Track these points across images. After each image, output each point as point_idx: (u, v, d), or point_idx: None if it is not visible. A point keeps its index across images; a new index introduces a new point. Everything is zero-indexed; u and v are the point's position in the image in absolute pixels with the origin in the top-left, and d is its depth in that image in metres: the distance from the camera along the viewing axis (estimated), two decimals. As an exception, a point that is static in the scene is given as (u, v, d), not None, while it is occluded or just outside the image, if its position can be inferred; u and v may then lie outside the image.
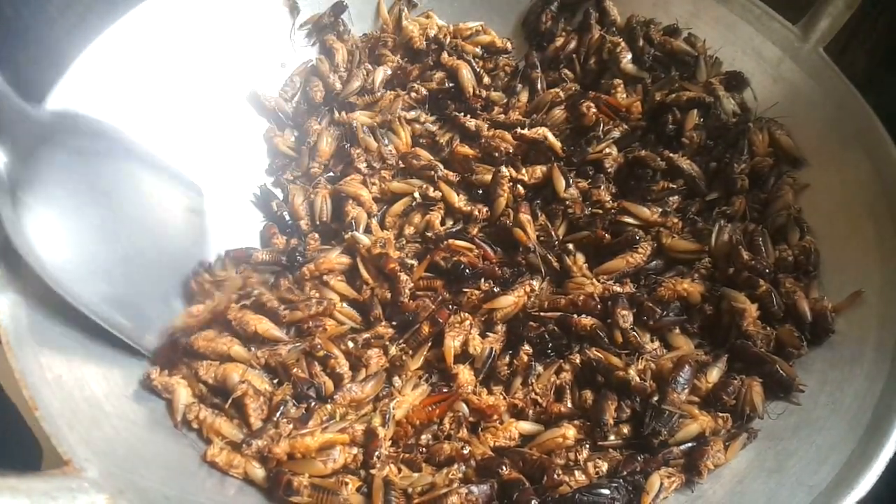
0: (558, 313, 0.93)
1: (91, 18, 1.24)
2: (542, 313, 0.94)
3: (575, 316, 0.92)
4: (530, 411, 0.87)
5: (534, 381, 0.89)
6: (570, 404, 0.88)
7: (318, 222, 1.03)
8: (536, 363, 0.90)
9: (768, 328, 0.89)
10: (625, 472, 0.79)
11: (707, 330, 0.93)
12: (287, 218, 1.03)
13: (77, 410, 0.72)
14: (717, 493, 0.79)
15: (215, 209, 1.00)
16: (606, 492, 0.76)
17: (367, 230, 1.01)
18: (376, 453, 0.78)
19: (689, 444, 0.82)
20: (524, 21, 1.22)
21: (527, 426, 0.86)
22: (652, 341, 0.91)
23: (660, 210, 1.00)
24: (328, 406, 0.83)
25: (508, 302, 0.93)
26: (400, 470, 0.81)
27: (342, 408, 0.83)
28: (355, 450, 0.80)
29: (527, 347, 0.91)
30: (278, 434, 0.78)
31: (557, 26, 1.19)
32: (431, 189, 1.04)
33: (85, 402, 0.73)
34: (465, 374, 0.88)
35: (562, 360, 0.90)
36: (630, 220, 1.00)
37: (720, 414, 0.84)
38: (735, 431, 0.84)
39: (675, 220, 1.00)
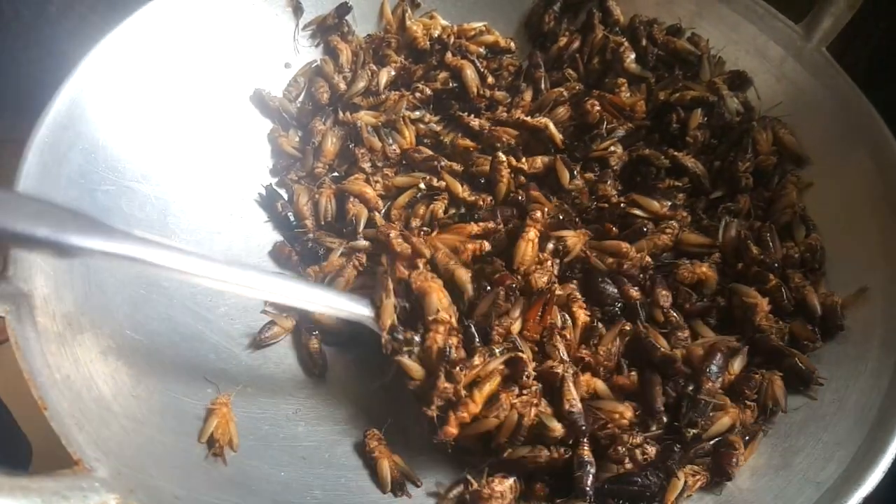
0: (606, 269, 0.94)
1: (93, 19, 1.25)
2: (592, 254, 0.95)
3: (626, 281, 0.92)
4: (601, 369, 0.87)
5: (596, 342, 0.89)
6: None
7: (322, 222, 1.04)
8: (599, 323, 0.90)
9: (781, 322, 0.90)
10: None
11: (723, 324, 0.93)
12: (291, 218, 1.04)
13: (86, 410, 0.71)
14: (725, 491, 0.79)
15: (220, 209, 1.01)
16: (637, 479, 0.77)
17: (371, 225, 1.01)
18: (525, 373, 0.79)
19: (718, 440, 0.82)
20: (527, 21, 1.22)
21: (601, 385, 0.86)
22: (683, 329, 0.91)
23: (669, 203, 1.00)
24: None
25: (571, 233, 0.94)
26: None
27: (499, 343, 0.83)
28: (515, 390, 0.80)
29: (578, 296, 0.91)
30: (459, 391, 0.78)
31: (560, 27, 1.20)
32: (435, 179, 1.05)
33: (93, 403, 0.73)
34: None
35: (624, 322, 0.90)
36: (639, 212, 1.00)
37: (748, 403, 0.84)
38: (754, 428, 0.84)
39: (685, 214, 1.01)
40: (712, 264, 0.96)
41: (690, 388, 0.82)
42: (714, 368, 0.83)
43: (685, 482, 0.78)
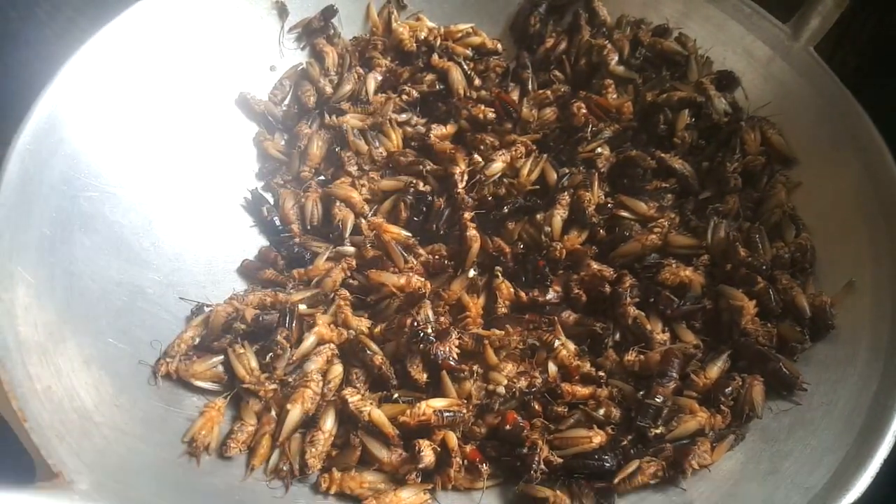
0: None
1: (81, 21, 1.23)
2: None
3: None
4: None
5: None
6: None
7: (308, 226, 1.03)
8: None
9: (768, 325, 0.90)
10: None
11: (710, 326, 0.93)
12: (277, 223, 1.03)
13: (67, 421, 0.71)
14: (713, 496, 0.79)
15: (205, 214, 1.00)
16: (597, 457, 0.81)
17: (357, 231, 1.01)
18: None
19: (684, 442, 0.82)
20: (513, 24, 1.21)
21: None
22: (663, 332, 0.91)
23: (657, 205, 1.00)
24: None
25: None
26: None
27: None
28: None
29: None
30: None
31: (546, 28, 1.19)
32: (421, 184, 1.04)
33: (75, 413, 0.73)
34: None
35: None
36: (626, 214, 1.00)
37: (721, 408, 0.84)
38: (724, 432, 0.84)
39: (673, 216, 1.00)
40: (699, 267, 0.95)
41: (641, 392, 0.84)
42: (668, 374, 0.85)
43: (639, 466, 0.79)
